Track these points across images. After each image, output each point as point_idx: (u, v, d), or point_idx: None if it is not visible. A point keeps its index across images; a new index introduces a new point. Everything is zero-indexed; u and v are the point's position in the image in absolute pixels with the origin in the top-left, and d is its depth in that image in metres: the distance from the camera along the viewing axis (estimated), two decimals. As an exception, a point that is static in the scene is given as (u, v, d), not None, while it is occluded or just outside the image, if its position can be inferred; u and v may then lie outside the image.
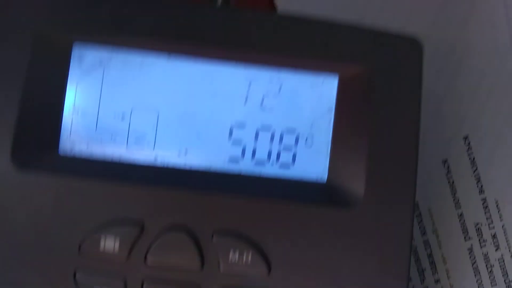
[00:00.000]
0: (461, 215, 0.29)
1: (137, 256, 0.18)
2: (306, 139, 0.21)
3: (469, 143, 0.29)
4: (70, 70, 0.20)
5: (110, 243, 0.18)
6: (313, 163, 0.21)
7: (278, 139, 0.21)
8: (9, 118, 0.19)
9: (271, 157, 0.21)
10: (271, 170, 0.21)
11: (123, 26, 0.19)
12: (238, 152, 0.21)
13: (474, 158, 0.29)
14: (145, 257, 0.18)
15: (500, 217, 0.29)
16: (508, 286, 0.28)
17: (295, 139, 0.21)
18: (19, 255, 0.18)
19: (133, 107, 0.20)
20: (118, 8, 0.19)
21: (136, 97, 0.20)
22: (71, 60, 0.20)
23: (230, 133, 0.21)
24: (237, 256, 0.18)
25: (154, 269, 0.18)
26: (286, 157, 0.21)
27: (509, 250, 0.29)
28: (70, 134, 0.20)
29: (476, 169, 0.29)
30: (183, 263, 0.18)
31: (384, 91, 0.20)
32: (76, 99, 0.20)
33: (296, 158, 0.21)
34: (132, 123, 0.20)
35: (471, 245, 0.28)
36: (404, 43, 0.20)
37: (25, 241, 0.19)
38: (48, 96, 0.20)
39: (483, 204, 0.29)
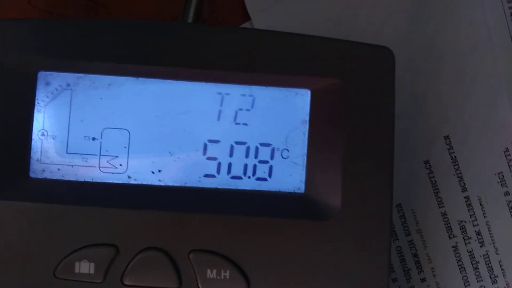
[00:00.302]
0: (444, 213, 0.29)
1: (113, 278, 0.18)
2: (282, 152, 0.21)
3: (450, 143, 0.29)
4: (36, 95, 0.20)
5: (85, 267, 0.18)
6: (290, 175, 0.21)
7: (254, 153, 0.21)
8: (-22, 145, 0.19)
9: (247, 171, 0.21)
10: (248, 184, 0.21)
11: (88, 54, 0.19)
12: (214, 168, 0.21)
13: (455, 157, 0.29)
14: (122, 279, 0.18)
15: (483, 214, 0.29)
16: (494, 281, 0.29)
17: (271, 152, 0.21)
18: (-6, 284, 0.18)
19: (103, 127, 0.20)
20: (82, 35, 0.19)
21: (106, 117, 0.20)
22: (37, 85, 0.20)
23: (205, 149, 0.21)
24: (214, 273, 0.18)
25: (131, 291, 0.18)
26: (262, 170, 0.21)
27: (494, 246, 0.29)
28: (41, 157, 0.20)
29: (458, 168, 0.29)
30: (160, 282, 0.18)
31: (357, 102, 0.20)
32: (44, 122, 0.20)
33: (273, 171, 0.21)
34: (103, 144, 0.20)
35: (456, 243, 0.29)
36: (376, 53, 0.20)
37: (0, 269, 0.18)
38: (15, 121, 0.20)
39: (466, 202, 0.29)
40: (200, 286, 0.18)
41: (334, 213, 0.19)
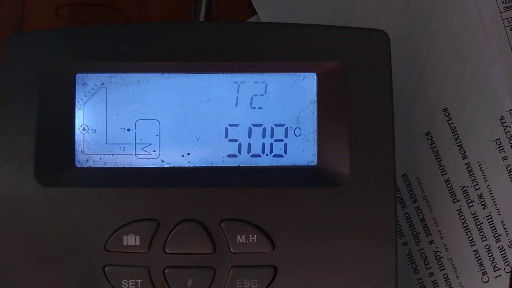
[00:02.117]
0: (447, 180, 0.31)
1: (156, 248, 0.21)
2: (295, 131, 0.23)
3: (448, 115, 0.31)
4: (76, 95, 0.23)
5: (131, 240, 0.21)
6: (303, 151, 0.23)
7: (270, 133, 0.23)
8: (29, 143, 0.22)
9: (265, 149, 0.23)
10: (267, 161, 0.23)
11: (118, 55, 0.22)
12: (235, 148, 0.23)
13: (454, 128, 0.31)
14: (164, 248, 0.21)
15: (484, 179, 0.31)
16: (498, 239, 0.31)
17: (285, 132, 0.23)
18: (55, 260, 0.21)
19: (136, 119, 0.23)
20: (111, 39, 0.22)
21: (138, 110, 0.23)
22: (76, 86, 0.23)
23: (226, 132, 0.23)
24: (243, 238, 0.21)
25: (173, 257, 0.21)
26: (278, 148, 0.23)
27: (496, 207, 0.31)
28: (84, 149, 0.23)
29: (458, 137, 0.31)
30: (197, 249, 0.21)
31: (358, 80, 0.22)
32: (84, 118, 0.23)
33: (288, 148, 0.23)
34: (137, 134, 0.23)
35: (460, 206, 0.31)
36: (372, 36, 0.22)
37: (58, 247, 0.21)
38: (60, 119, 0.23)
39: (467, 168, 0.31)
40: (232, 250, 0.21)
41: (344, 180, 0.22)
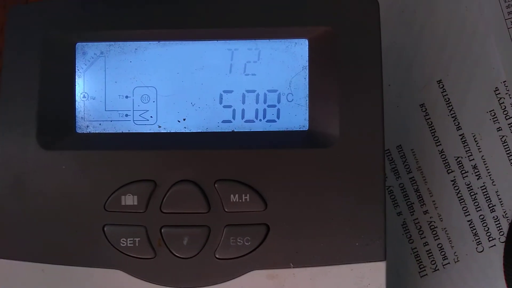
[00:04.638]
0: (442, 151, 0.31)
1: (153, 208, 0.22)
2: (287, 96, 0.24)
3: (443, 86, 0.31)
4: (76, 63, 0.24)
5: (129, 200, 0.22)
6: (295, 115, 0.24)
7: (263, 99, 0.24)
8: (31, 109, 0.23)
9: (258, 115, 0.24)
10: (260, 126, 0.24)
11: (115, 24, 0.23)
12: (229, 114, 0.24)
13: (449, 99, 0.31)
14: (160, 208, 0.22)
15: (478, 149, 0.31)
16: (492, 210, 0.31)
17: (277, 97, 0.24)
18: (56, 220, 0.22)
19: (134, 87, 0.24)
20: (109, 9, 0.23)
21: (136, 78, 0.24)
22: (76, 55, 0.24)
23: (221, 99, 0.24)
24: (237, 198, 0.22)
25: (169, 217, 0.22)
26: (271, 113, 0.24)
27: (490, 178, 0.31)
28: (84, 115, 0.24)
29: (452, 108, 0.31)
30: (192, 209, 0.22)
31: (348, 46, 0.23)
32: (84, 86, 0.24)
33: (280, 113, 0.24)
34: (135, 100, 0.24)
35: (454, 177, 0.31)
36: (362, 3, 0.23)
37: (58, 207, 0.22)
38: (61, 86, 0.23)
39: (461, 139, 0.31)
40: (226, 209, 0.22)
41: (334, 141, 0.22)
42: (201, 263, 0.22)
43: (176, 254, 0.22)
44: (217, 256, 0.22)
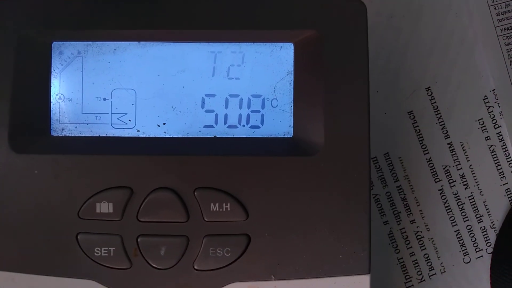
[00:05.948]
0: (429, 159, 0.31)
1: (130, 216, 0.21)
2: (272, 101, 0.23)
3: (431, 94, 0.31)
4: (52, 63, 0.23)
5: (105, 207, 0.21)
6: (279, 122, 0.23)
7: (247, 104, 0.23)
8: (4, 110, 0.22)
9: (242, 120, 0.23)
10: (243, 132, 0.23)
11: (94, 23, 0.22)
12: (212, 119, 0.23)
13: (437, 107, 0.31)
14: (137, 216, 0.21)
15: (466, 158, 0.31)
16: (480, 220, 0.31)
17: (262, 102, 0.23)
18: (27, 227, 0.21)
19: (112, 88, 0.23)
20: (87, 7, 0.22)
21: (114, 79, 0.23)
22: (52, 55, 0.23)
23: (203, 103, 0.23)
24: (217, 207, 0.21)
25: (146, 226, 0.21)
26: (255, 119, 0.23)
27: (478, 188, 0.31)
28: (60, 118, 0.23)
29: (440, 116, 0.31)
30: (170, 217, 0.21)
31: (335, 51, 0.22)
32: (60, 87, 0.23)
33: (264, 119, 0.23)
34: (113, 103, 0.23)
35: (442, 186, 0.31)
36: (349, 6, 0.22)
37: (30, 214, 0.21)
38: (35, 87, 0.22)
39: (449, 148, 0.31)
40: (205, 219, 0.21)
41: (319, 149, 0.21)
42: (179, 275, 0.21)
43: (153, 265, 0.21)
44: (195, 267, 0.21)
